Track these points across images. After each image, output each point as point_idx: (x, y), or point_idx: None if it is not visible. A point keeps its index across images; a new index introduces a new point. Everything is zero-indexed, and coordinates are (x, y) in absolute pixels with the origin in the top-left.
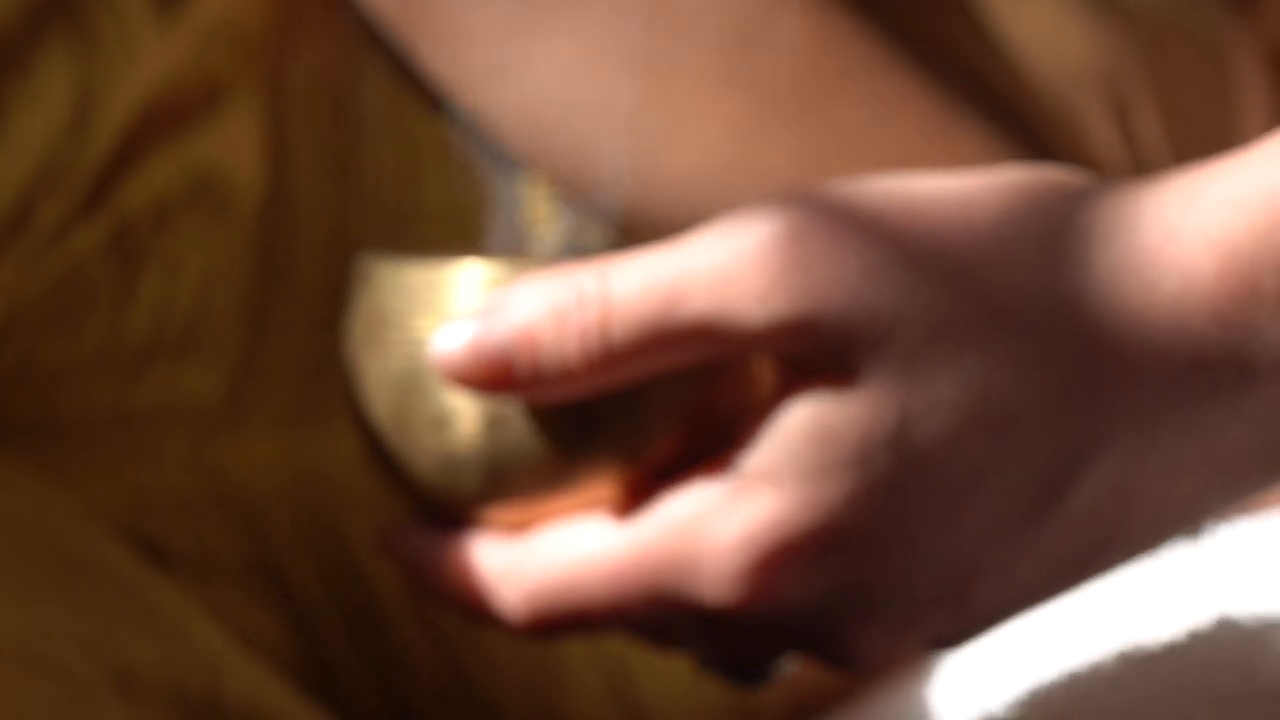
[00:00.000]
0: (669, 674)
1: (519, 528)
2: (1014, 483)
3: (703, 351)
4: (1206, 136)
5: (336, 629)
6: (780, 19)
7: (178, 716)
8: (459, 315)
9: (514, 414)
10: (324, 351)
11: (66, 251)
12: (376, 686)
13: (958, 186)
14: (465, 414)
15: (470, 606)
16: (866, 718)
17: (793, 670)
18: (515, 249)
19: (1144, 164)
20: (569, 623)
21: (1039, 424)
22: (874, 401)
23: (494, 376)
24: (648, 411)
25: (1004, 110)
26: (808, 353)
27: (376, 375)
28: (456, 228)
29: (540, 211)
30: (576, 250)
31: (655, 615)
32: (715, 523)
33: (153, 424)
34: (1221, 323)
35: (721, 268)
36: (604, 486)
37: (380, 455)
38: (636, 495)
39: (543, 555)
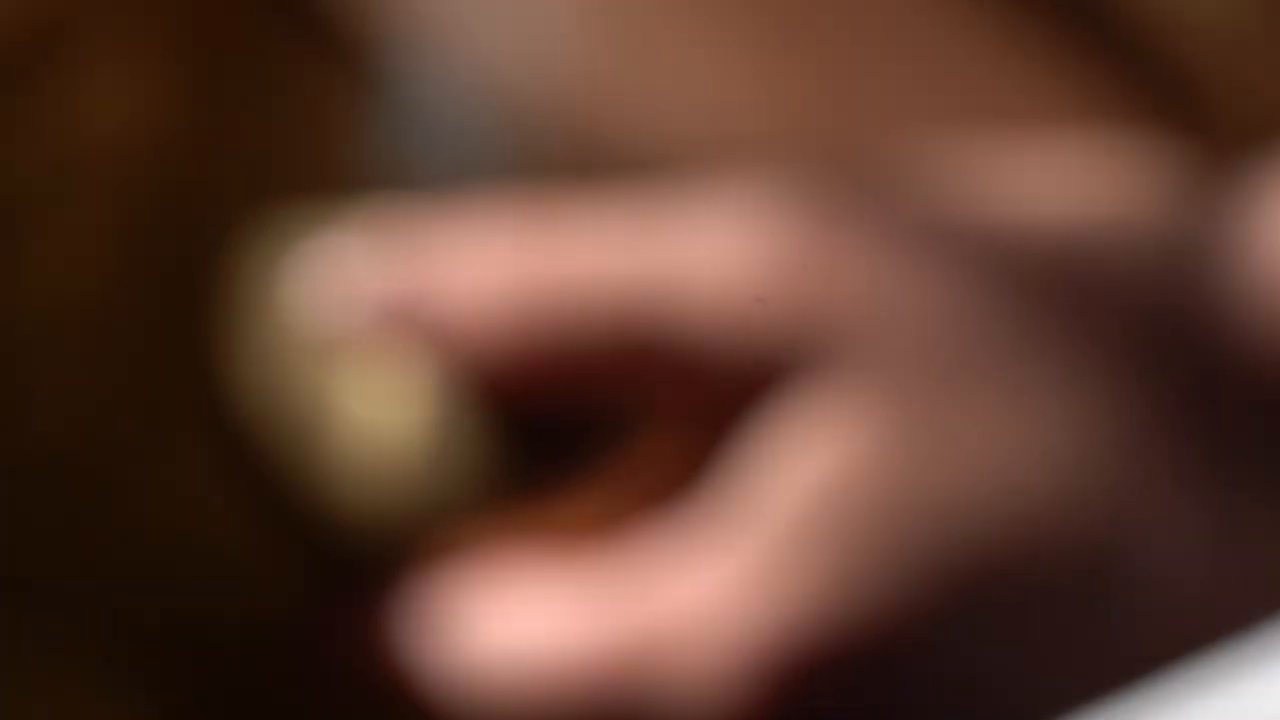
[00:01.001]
0: None
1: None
2: (1073, 572)
3: (682, 388)
4: None
5: None
6: None
7: None
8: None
9: (412, 421)
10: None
11: None
12: None
13: (1003, 209)
14: (354, 421)
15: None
16: None
17: None
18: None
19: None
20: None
21: (1111, 499)
22: (917, 464)
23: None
24: (580, 439)
25: (1118, 43)
26: (811, 389)
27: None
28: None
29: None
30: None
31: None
32: (706, 615)
33: None
34: None
35: (716, 292)
36: (531, 534)
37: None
38: (580, 541)
39: (468, 633)
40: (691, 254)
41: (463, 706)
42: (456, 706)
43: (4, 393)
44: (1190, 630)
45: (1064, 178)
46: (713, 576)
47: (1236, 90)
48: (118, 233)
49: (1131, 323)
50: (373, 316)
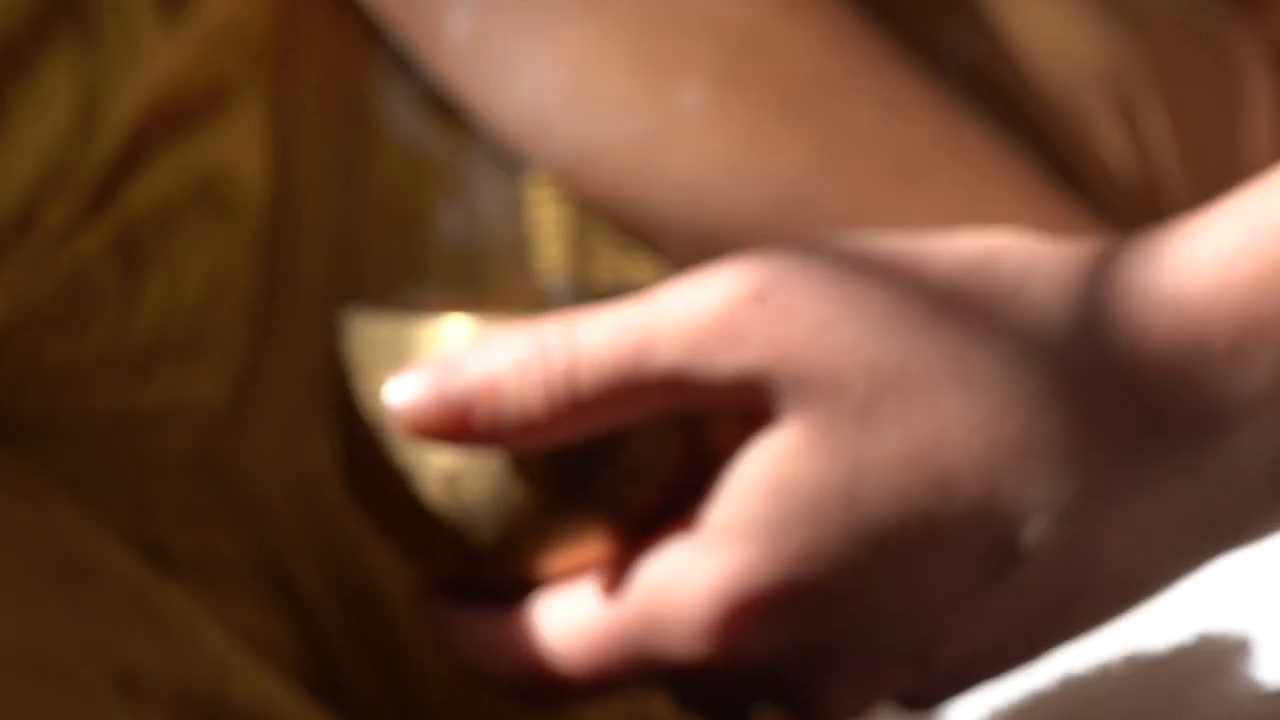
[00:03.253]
0: None
1: (517, 580)
2: (965, 539)
3: (669, 404)
4: (1214, 137)
5: (342, 629)
6: (788, 21)
7: (182, 718)
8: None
9: (472, 471)
10: (328, 354)
11: (71, 254)
12: (382, 687)
13: (918, 247)
14: (425, 470)
15: (473, 676)
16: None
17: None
18: (515, 255)
19: (1152, 164)
20: (555, 694)
21: (985, 481)
22: (826, 455)
23: (452, 425)
24: (626, 468)
25: (1011, 112)
26: (765, 406)
27: (350, 430)
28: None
29: (544, 214)
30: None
31: (636, 674)
32: (682, 582)
33: (158, 427)
34: (1173, 379)
35: (690, 322)
36: (587, 542)
37: (367, 506)
38: (625, 547)
39: (528, 631)
40: (662, 304)
41: (534, 686)
42: (529, 686)
43: (140, 398)
44: (1067, 568)
45: (980, 235)
46: (685, 553)
47: (1114, 145)
48: (254, 253)
49: (1025, 340)
50: (425, 404)
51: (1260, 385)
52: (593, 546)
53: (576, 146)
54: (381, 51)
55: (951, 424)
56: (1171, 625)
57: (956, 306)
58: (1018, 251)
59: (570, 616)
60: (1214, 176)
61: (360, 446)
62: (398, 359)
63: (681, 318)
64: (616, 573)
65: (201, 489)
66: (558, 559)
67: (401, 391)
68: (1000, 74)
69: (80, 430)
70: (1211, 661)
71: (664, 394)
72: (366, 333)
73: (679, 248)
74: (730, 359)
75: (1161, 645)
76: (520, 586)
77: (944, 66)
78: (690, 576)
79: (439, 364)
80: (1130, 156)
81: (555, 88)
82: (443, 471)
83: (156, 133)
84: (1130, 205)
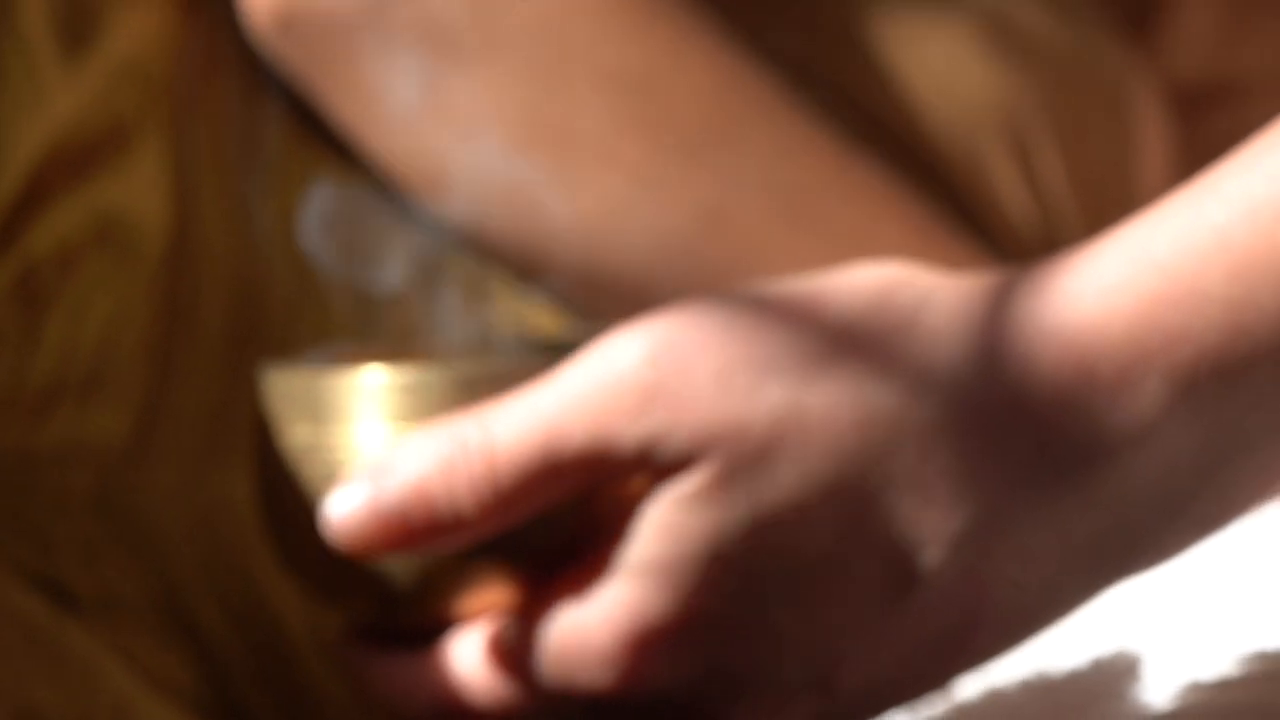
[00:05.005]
0: None
1: (431, 622)
2: (864, 570)
3: (588, 479)
4: (1108, 176)
5: (244, 667)
6: (679, 65)
7: None
8: (329, 422)
9: None
10: (228, 392)
11: None
12: None
13: (815, 285)
14: None
15: (392, 715)
16: None
17: None
18: (416, 301)
19: (1047, 204)
20: None
21: (883, 513)
22: (726, 499)
23: (395, 537)
24: (538, 517)
25: (905, 153)
26: (670, 460)
27: (269, 479)
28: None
29: (444, 261)
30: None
31: (548, 707)
32: (588, 618)
33: (57, 465)
34: (1062, 408)
35: (593, 400)
36: (500, 585)
37: (286, 553)
38: (536, 587)
39: (442, 669)
40: (566, 385)
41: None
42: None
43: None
44: (961, 590)
45: (876, 269)
46: (590, 590)
47: (1009, 184)
48: (154, 292)
49: (920, 372)
50: (364, 518)
51: (1147, 414)
52: (505, 589)
53: (471, 193)
54: (283, 96)
55: (849, 459)
56: (1064, 649)
57: (853, 342)
58: (913, 285)
59: (482, 653)
60: (1108, 215)
61: (279, 496)
62: (314, 411)
63: (584, 400)
64: (527, 609)
65: (102, 527)
66: (471, 601)
67: (341, 504)
68: (893, 115)
69: None
70: (1103, 684)
71: (579, 473)
72: (283, 385)
73: (575, 292)
74: (635, 429)
75: (1054, 669)
76: (434, 627)
77: (837, 109)
78: (594, 612)
79: (369, 473)
80: (1024, 196)
81: (449, 135)
82: None
83: (57, 173)
84: (1025, 244)
